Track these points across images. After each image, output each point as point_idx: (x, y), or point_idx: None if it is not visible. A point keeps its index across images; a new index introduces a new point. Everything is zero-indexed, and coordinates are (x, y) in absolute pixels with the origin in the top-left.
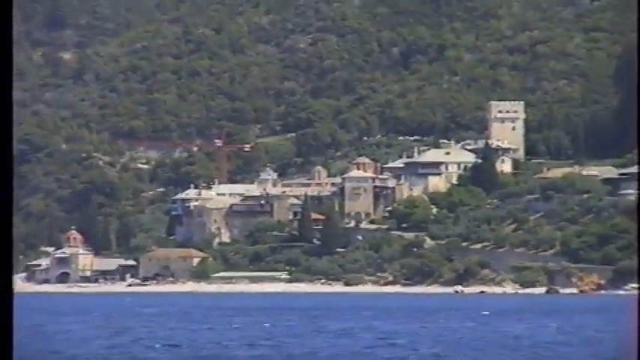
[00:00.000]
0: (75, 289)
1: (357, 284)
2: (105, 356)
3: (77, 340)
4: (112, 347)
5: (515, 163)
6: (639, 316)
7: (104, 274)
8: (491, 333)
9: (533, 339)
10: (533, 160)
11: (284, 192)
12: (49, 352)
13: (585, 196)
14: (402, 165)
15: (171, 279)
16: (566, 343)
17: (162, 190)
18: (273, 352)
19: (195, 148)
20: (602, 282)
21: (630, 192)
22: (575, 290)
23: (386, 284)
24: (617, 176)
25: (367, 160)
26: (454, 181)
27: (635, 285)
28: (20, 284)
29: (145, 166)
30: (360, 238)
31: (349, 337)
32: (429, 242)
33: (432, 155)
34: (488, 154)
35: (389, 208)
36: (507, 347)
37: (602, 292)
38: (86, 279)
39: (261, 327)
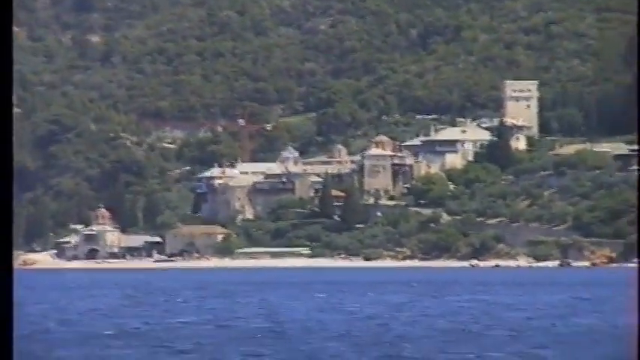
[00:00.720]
0: (103, 265)
1: (376, 259)
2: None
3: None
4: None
5: (530, 141)
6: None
7: (131, 251)
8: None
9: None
10: (547, 138)
11: (305, 170)
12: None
13: (597, 172)
14: (419, 143)
15: (196, 255)
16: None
17: (187, 168)
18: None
19: (219, 128)
20: (614, 255)
21: None
22: (587, 263)
23: (404, 259)
24: (628, 152)
25: (386, 139)
26: (470, 158)
27: None
28: (50, 260)
29: (171, 146)
30: (379, 214)
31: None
32: (445, 218)
33: (448, 133)
34: (503, 132)
35: (407, 185)
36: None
37: (614, 265)
38: (114, 255)
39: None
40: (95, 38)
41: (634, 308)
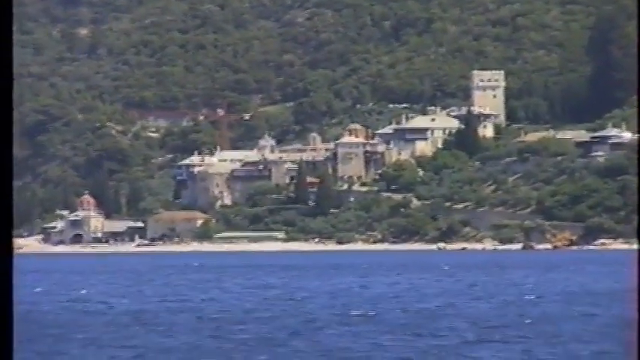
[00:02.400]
0: (87, 250)
1: (349, 242)
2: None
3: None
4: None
5: (497, 128)
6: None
7: (114, 236)
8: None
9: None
10: (513, 126)
11: (281, 157)
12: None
13: (559, 158)
14: (391, 131)
15: (176, 239)
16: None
17: (170, 156)
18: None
19: (201, 117)
20: (574, 238)
21: (600, 154)
22: (549, 246)
23: (375, 242)
24: (589, 139)
25: (359, 127)
26: (439, 145)
27: (604, 240)
28: (37, 245)
29: (155, 135)
30: (351, 199)
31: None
32: (415, 203)
33: (418, 121)
34: (471, 120)
35: (379, 172)
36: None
37: (574, 247)
38: (97, 240)
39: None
40: (83, 31)
41: (633, 299)
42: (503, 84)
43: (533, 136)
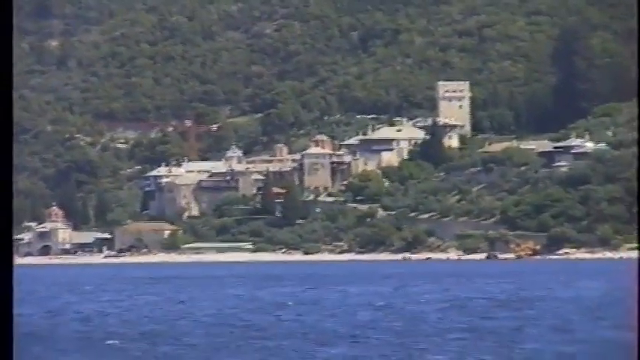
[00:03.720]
0: (55, 261)
1: (315, 253)
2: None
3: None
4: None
5: (462, 139)
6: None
7: (82, 247)
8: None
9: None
10: (479, 136)
11: (248, 168)
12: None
13: (523, 168)
14: (357, 142)
15: (144, 250)
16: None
17: (138, 167)
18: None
19: (170, 129)
20: (537, 247)
21: (563, 164)
22: (512, 255)
23: (341, 252)
24: (552, 149)
25: (325, 138)
26: (405, 156)
27: (567, 250)
28: None
29: (124, 146)
30: (318, 210)
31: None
32: (381, 213)
33: (384, 132)
34: (437, 131)
35: (345, 182)
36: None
37: (537, 257)
38: (66, 251)
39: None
40: (53, 43)
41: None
42: (468, 94)
43: (497, 147)
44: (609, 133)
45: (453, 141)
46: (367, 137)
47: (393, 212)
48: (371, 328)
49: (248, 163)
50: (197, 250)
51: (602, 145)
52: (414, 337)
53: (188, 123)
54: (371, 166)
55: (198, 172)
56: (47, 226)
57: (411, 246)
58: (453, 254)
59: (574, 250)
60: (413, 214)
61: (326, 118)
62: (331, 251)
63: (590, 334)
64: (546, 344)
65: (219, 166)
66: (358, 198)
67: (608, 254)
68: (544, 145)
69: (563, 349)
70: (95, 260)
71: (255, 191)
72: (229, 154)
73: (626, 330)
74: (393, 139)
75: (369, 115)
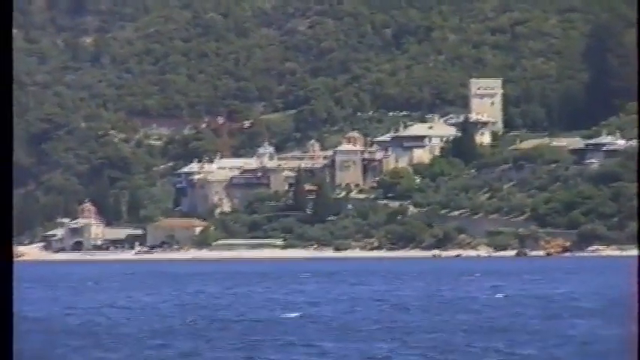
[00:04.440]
0: (87, 257)
1: (346, 249)
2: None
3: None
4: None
5: (494, 136)
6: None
7: (114, 243)
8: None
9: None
10: (511, 133)
11: (280, 165)
12: None
13: (553, 165)
14: (389, 139)
15: (175, 246)
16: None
17: (171, 164)
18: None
19: (203, 125)
20: (567, 244)
21: (594, 161)
22: (542, 253)
23: (372, 249)
24: (583, 147)
25: (357, 135)
26: (437, 153)
27: (597, 247)
28: (37, 252)
29: (157, 143)
30: (349, 207)
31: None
32: (412, 210)
33: (416, 129)
34: (468, 128)
35: (376, 179)
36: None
37: (567, 254)
38: (98, 247)
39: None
40: (87, 40)
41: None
42: (500, 91)
43: (528, 144)
44: None
45: (484, 138)
46: (399, 134)
47: (424, 209)
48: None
49: (280, 159)
50: (228, 247)
51: (633, 142)
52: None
53: (221, 120)
54: (402, 163)
55: (230, 168)
56: (80, 222)
57: (441, 243)
58: (483, 251)
59: (604, 247)
60: (444, 211)
61: (358, 114)
62: (362, 248)
63: None
64: None
65: (251, 163)
66: (389, 195)
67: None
68: (575, 142)
69: None
70: (126, 256)
71: (286, 188)
72: (261, 150)
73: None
74: (424, 136)
75: (401, 112)
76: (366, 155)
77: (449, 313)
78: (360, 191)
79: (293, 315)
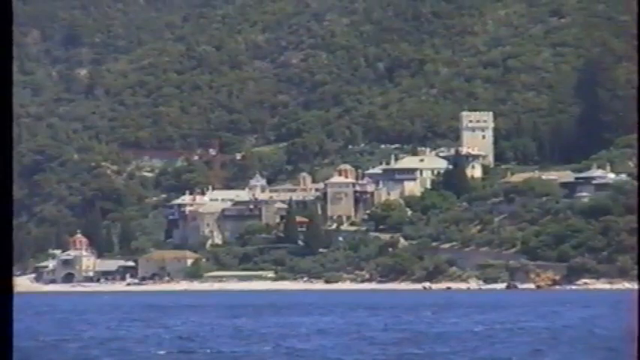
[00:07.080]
0: (78, 289)
1: (337, 282)
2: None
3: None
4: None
5: (485, 169)
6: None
7: (105, 275)
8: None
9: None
10: (502, 166)
11: (271, 197)
12: None
13: (544, 198)
14: (380, 171)
15: (167, 278)
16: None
17: (164, 196)
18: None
19: (195, 157)
20: (557, 278)
21: (584, 195)
22: (532, 285)
23: (363, 282)
24: (574, 180)
25: (349, 167)
26: (428, 185)
27: (586, 280)
28: (29, 284)
29: (150, 174)
30: (340, 239)
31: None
32: (402, 242)
33: (407, 162)
34: (459, 161)
35: (368, 211)
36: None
37: (557, 287)
38: (89, 279)
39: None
40: (81, 72)
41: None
42: (492, 125)
43: (519, 177)
44: (631, 164)
45: (475, 171)
46: (390, 167)
47: (415, 242)
48: None
49: (271, 191)
50: (219, 279)
51: (623, 176)
52: None
53: (213, 152)
54: (394, 195)
55: (222, 200)
56: (71, 253)
57: (432, 276)
58: (473, 284)
59: (593, 280)
60: (434, 243)
61: (350, 147)
62: (353, 280)
63: None
64: None
65: (242, 195)
66: (380, 227)
67: (627, 285)
68: (566, 175)
69: None
70: (117, 288)
71: (278, 220)
72: (253, 182)
73: None
74: (415, 169)
75: (393, 144)
76: (358, 188)
77: (428, 344)
78: (352, 223)
79: (266, 348)
